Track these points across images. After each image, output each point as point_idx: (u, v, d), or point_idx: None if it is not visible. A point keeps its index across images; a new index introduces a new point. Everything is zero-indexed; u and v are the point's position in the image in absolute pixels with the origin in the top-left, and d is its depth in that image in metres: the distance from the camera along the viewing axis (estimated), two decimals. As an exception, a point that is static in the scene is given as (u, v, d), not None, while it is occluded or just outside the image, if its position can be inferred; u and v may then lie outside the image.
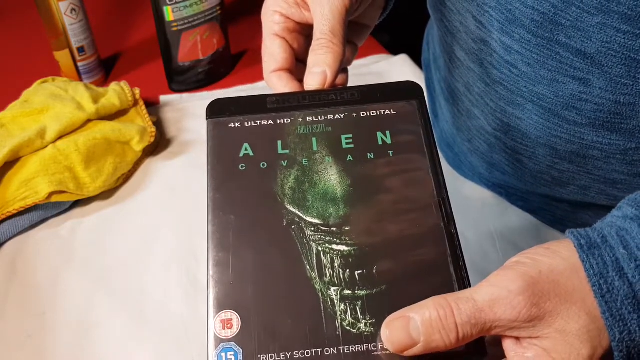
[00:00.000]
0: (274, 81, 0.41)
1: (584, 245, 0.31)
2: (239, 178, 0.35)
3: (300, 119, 0.36)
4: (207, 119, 0.37)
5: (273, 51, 0.41)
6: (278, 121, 0.36)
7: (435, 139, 0.69)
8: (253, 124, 0.36)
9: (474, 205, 0.63)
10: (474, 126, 0.57)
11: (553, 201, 0.59)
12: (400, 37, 1.02)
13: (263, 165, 0.35)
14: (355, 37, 0.48)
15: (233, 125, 0.36)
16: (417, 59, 0.82)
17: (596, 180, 0.50)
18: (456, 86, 0.57)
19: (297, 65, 0.43)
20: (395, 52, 0.88)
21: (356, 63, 0.85)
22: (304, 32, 0.43)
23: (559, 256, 0.30)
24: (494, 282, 0.30)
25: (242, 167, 0.35)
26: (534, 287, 0.29)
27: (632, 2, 0.36)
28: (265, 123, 0.36)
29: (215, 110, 0.37)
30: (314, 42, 0.40)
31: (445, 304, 0.29)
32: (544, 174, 0.53)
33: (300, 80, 0.42)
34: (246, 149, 0.35)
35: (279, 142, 0.36)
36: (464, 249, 0.33)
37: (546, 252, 0.31)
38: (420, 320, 0.29)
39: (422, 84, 0.77)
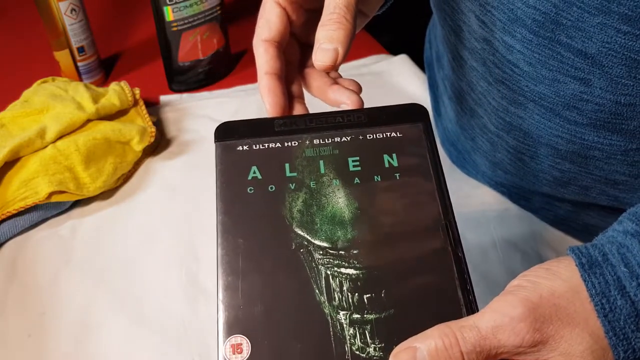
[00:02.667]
0: (259, 52, 0.40)
1: (585, 264, 0.30)
2: (247, 201, 0.35)
3: (307, 142, 0.37)
4: (215, 141, 0.37)
5: (270, 18, 0.40)
6: (286, 144, 0.37)
7: (439, 139, 0.70)
8: (261, 147, 0.36)
9: (475, 205, 0.63)
10: (477, 125, 0.57)
11: (555, 201, 0.59)
12: (401, 37, 1.02)
13: (271, 188, 0.35)
14: None
15: (241, 148, 0.36)
16: (417, 59, 0.82)
17: (597, 180, 0.50)
18: (460, 85, 0.57)
19: (290, 39, 0.41)
20: (395, 52, 0.88)
21: (356, 63, 0.85)
22: (307, 5, 0.42)
23: (559, 278, 0.30)
24: (495, 308, 0.30)
25: (250, 190, 0.35)
26: (536, 312, 0.29)
27: (632, 2, 0.36)
28: (273, 146, 0.36)
29: (223, 133, 0.37)
30: (325, 16, 0.38)
31: (449, 333, 0.29)
32: (546, 173, 0.53)
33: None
34: (254, 172, 0.36)
35: (287, 165, 0.36)
36: (464, 249, 0.33)
37: (546, 274, 0.31)
38: (427, 351, 0.29)
39: (423, 84, 0.78)
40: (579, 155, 0.48)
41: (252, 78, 0.83)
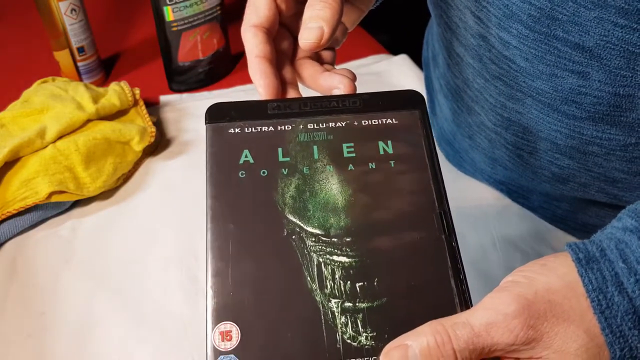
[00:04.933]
0: (248, 36, 0.39)
1: (582, 260, 0.30)
2: (238, 186, 0.34)
3: (301, 126, 0.36)
4: (206, 123, 0.36)
5: (258, 5, 0.39)
6: (279, 127, 0.36)
7: (435, 138, 0.70)
8: (253, 130, 0.35)
9: (474, 203, 0.63)
10: (474, 122, 0.57)
11: (553, 200, 0.59)
12: (400, 37, 1.02)
13: (263, 172, 0.34)
14: (346, 18, 0.46)
15: (233, 131, 0.35)
16: (417, 59, 0.82)
17: (596, 178, 0.50)
18: (455, 82, 0.57)
19: (280, 28, 0.41)
20: (395, 52, 0.88)
21: (356, 63, 0.85)
22: None
23: (554, 274, 0.30)
24: (489, 304, 0.29)
25: (242, 174, 0.34)
26: (530, 308, 0.29)
27: None
28: (266, 129, 0.36)
29: (215, 114, 0.36)
30: None
31: (442, 330, 0.29)
32: (544, 169, 0.53)
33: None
34: (246, 156, 0.35)
35: (280, 150, 0.35)
36: (463, 248, 0.33)
37: (542, 270, 0.30)
38: (419, 348, 0.28)
39: (422, 83, 0.78)
40: (578, 150, 0.48)
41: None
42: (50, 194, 0.59)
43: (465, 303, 0.31)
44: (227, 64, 0.85)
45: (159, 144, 0.71)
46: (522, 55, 0.44)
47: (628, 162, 0.47)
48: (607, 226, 0.33)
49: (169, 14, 0.74)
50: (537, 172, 0.54)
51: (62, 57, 0.78)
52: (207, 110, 0.36)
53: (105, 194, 0.65)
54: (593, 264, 0.30)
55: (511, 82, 0.47)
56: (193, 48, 0.78)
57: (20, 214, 0.60)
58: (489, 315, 0.29)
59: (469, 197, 0.64)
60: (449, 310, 0.31)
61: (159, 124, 0.73)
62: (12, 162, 0.61)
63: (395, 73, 0.82)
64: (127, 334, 0.53)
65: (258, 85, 0.38)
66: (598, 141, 0.46)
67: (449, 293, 0.31)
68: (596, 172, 0.49)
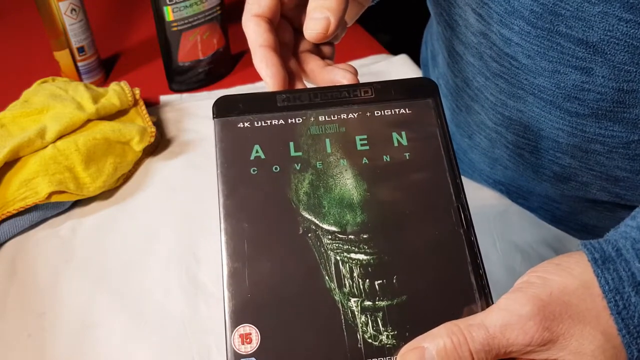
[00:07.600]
0: (250, 26, 0.38)
1: (598, 260, 0.30)
2: (251, 183, 0.33)
3: (312, 119, 0.34)
4: (214, 118, 0.35)
5: None
6: (289, 121, 0.34)
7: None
8: (263, 124, 0.34)
9: (474, 204, 0.63)
10: (473, 121, 0.57)
11: (553, 202, 0.59)
12: (400, 37, 1.02)
13: (275, 168, 0.33)
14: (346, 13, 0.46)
15: (242, 125, 0.34)
16: (417, 59, 0.82)
17: (598, 176, 0.50)
18: (455, 81, 0.57)
19: (281, 20, 0.40)
20: (395, 52, 0.88)
21: (356, 63, 0.85)
22: None
23: (570, 274, 0.30)
24: (504, 305, 0.29)
25: (253, 171, 0.33)
26: (545, 309, 0.28)
27: None
28: (276, 123, 0.34)
29: (223, 108, 0.35)
30: None
31: (458, 331, 0.28)
32: (546, 168, 0.53)
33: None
34: (257, 151, 0.33)
35: (291, 144, 0.34)
36: None
37: (556, 270, 0.30)
38: (435, 350, 0.28)
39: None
40: (580, 149, 0.48)
41: (252, 78, 0.83)
42: (50, 194, 0.59)
43: (486, 298, 0.30)
44: (227, 64, 0.85)
45: (159, 144, 0.71)
46: (524, 52, 0.44)
47: (630, 159, 0.47)
48: (621, 224, 0.32)
49: (169, 14, 0.74)
50: (538, 171, 0.54)
51: (62, 57, 0.78)
52: (214, 104, 0.35)
53: (105, 194, 0.65)
54: (609, 264, 0.29)
55: (512, 79, 0.47)
56: (193, 48, 0.78)
57: (20, 214, 0.60)
58: (504, 316, 0.28)
59: (469, 197, 0.64)
60: (470, 306, 0.30)
61: (159, 124, 0.73)
62: (12, 162, 0.61)
63: (395, 73, 0.82)
64: (127, 334, 0.52)
65: (265, 75, 0.37)
66: (600, 139, 0.46)
67: (468, 288, 0.31)
68: (598, 171, 0.49)
